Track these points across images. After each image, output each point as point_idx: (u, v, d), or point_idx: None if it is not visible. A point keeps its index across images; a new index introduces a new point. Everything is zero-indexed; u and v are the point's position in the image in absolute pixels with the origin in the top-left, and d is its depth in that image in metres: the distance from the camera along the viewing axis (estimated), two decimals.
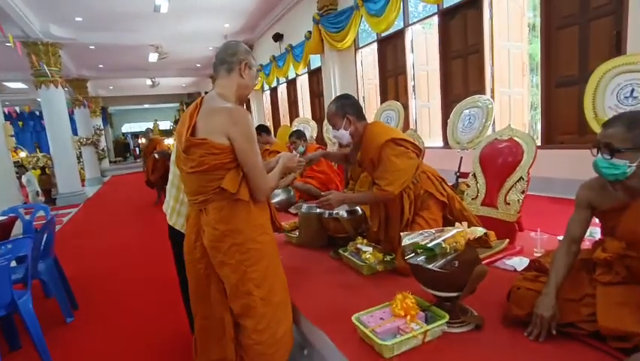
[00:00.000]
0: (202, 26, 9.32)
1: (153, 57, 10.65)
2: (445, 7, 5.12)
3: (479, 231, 1.49)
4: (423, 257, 1.42)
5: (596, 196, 1.30)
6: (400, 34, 6.04)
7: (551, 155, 3.92)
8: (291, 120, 9.99)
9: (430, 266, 1.35)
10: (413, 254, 1.44)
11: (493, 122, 3.49)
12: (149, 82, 14.31)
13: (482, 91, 4.59)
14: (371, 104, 7.01)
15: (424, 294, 1.49)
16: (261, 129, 4.47)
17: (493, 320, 1.44)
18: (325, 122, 3.23)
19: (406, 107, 6.08)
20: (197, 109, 1.45)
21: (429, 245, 1.31)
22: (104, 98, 17.82)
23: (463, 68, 4.99)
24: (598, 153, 1.20)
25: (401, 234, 1.46)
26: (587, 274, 1.34)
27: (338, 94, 7.35)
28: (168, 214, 1.93)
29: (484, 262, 1.96)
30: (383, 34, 6.26)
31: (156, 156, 6.45)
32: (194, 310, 1.58)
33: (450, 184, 2.99)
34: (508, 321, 1.40)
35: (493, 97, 4.68)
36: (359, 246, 2.08)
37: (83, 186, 10.29)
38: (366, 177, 2.77)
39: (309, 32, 7.38)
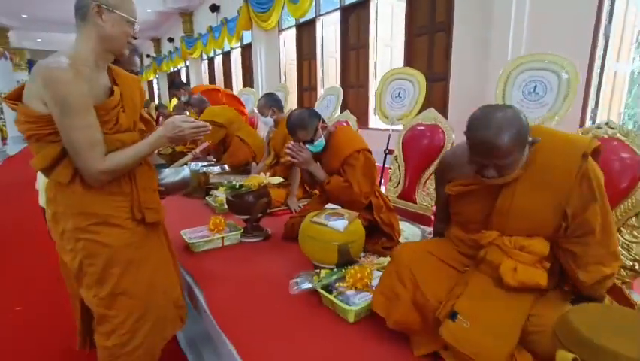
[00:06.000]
0: None
1: None
2: (345, 3, 5.92)
3: (275, 180, 2.28)
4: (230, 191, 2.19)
5: None
6: (312, 24, 6.74)
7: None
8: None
9: (229, 197, 2.14)
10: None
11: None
12: None
13: (366, 80, 5.49)
14: (291, 84, 7.70)
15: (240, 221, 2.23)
16: (178, 85, 4.30)
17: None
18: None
19: (314, 89, 6.87)
20: None
21: (228, 183, 2.09)
22: (31, 50, 16.67)
23: (356, 60, 5.86)
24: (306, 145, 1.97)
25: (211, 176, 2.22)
26: None
27: (264, 70, 7.96)
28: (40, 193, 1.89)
29: None
30: (301, 20, 6.91)
31: None
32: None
33: None
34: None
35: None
36: (213, 192, 2.83)
37: (5, 144, 10.01)
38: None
39: (241, 8, 7.82)
